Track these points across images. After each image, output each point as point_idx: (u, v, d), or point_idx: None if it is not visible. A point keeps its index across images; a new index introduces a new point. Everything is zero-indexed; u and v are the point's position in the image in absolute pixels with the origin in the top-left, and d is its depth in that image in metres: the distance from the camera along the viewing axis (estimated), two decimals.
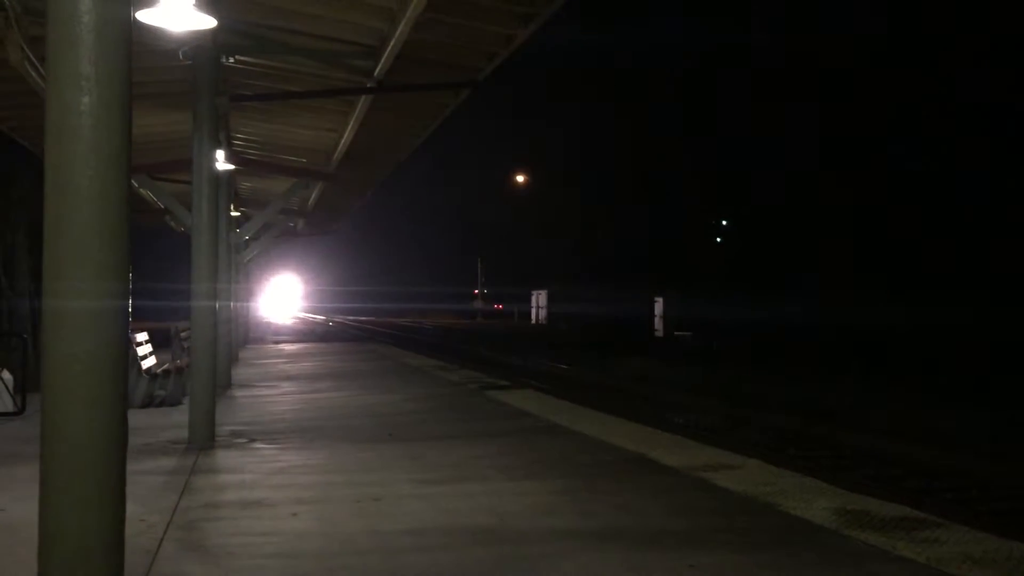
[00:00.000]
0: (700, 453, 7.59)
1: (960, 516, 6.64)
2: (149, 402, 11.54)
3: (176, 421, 9.56)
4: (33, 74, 8.65)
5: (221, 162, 10.56)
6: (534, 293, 63.86)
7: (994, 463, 9.74)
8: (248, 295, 29.32)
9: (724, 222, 68.54)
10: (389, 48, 9.16)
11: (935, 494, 8.72)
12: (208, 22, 6.28)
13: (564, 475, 6.71)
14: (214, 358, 9.00)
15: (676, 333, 42.07)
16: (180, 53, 8.69)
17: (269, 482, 6.66)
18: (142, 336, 12.49)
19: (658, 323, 45.68)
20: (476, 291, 75.48)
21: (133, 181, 13.02)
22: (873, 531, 4.95)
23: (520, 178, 76.02)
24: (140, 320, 16.45)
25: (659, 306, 46.22)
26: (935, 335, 30.10)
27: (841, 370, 21.78)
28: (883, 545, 4.69)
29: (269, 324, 50.76)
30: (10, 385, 10.65)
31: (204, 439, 8.35)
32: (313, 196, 20.69)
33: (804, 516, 5.31)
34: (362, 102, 11.71)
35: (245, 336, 26.94)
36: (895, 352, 26.93)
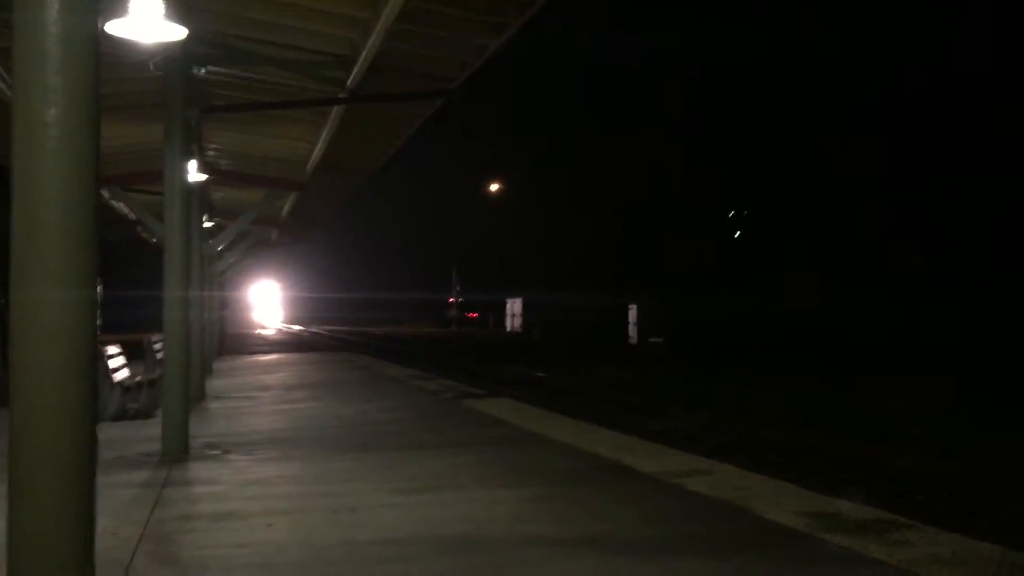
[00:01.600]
0: (674, 459, 7.63)
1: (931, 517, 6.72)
2: (122, 415, 11.43)
3: (149, 434, 9.48)
4: (1, 85, 8.58)
5: (193, 173, 10.51)
6: (508, 301, 63.93)
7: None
8: (222, 306, 29.11)
9: (746, 212, 66.64)
10: (362, 58, 9.17)
11: (907, 496, 8.81)
12: (178, 33, 6.26)
13: (540, 483, 6.72)
14: (187, 370, 8.94)
15: (650, 340, 42.26)
16: (151, 64, 8.65)
17: (243, 493, 6.62)
18: (114, 348, 12.37)
19: (632, 330, 45.86)
20: (451, 299, 75.42)
21: (105, 192, 12.97)
22: (845, 534, 5.00)
23: (494, 186, 76.16)
24: (114, 331, 16.32)
25: (633, 313, 46.41)
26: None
27: (813, 371, 21.95)
28: (855, 547, 4.73)
29: (245, 335, 50.43)
30: None
31: (177, 451, 8.29)
32: (287, 206, 20.62)
33: (777, 520, 5.35)
34: (335, 112, 11.70)
35: (220, 347, 26.74)
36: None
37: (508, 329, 62.55)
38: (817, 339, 31.67)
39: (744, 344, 32.45)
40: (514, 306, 63.12)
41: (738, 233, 61.08)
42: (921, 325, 32.44)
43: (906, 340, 29.71)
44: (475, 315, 74.92)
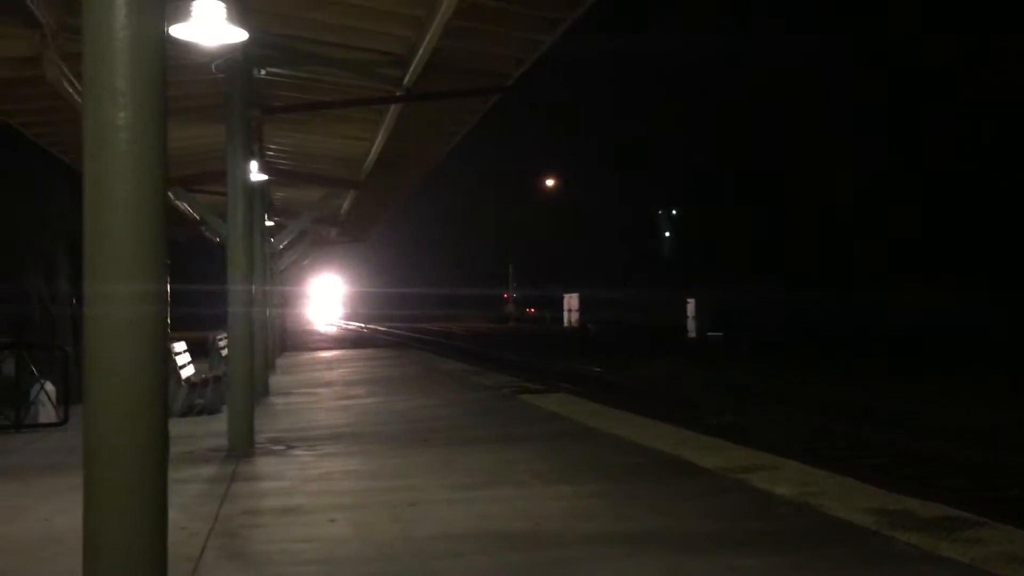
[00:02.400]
0: (736, 454, 7.53)
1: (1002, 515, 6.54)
2: (188, 411, 11.69)
3: (215, 429, 9.68)
4: (70, 90, 8.82)
5: (254, 173, 10.69)
6: (566, 296, 63.80)
7: None
8: (284, 303, 29.58)
9: (673, 211, 68.61)
10: (418, 56, 9.22)
11: (974, 492, 8.60)
12: (239, 35, 6.37)
13: (599, 478, 6.70)
14: (251, 366, 9.09)
15: (708, 334, 41.79)
16: (213, 67, 8.81)
17: (307, 489, 6.72)
18: (181, 346, 12.66)
19: (690, 324, 45.43)
20: (507, 295, 75.56)
21: (169, 193, 13.24)
22: (915, 531, 4.88)
23: (550, 182, 76.09)
24: (178, 329, 16.73)
25: (691, 307, 45.97)
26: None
27: (872, 370, 21.49)
28: (925, 545, 4.63)
29: (305, 332, 51.21)
30: (53, 396, 10.84)
31: (243, 447, 8.44)
32: (346, 204, 20.84)
33: (843, 517, 5.25)
34: (392, 111, 11.78)
35: (282, 344, 27.18)
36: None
37: (565, 324, 62.41)
38: (874, 334, 31.03)
39: (803, 339, 31.88)
40: (571, 301, 62.98)
41: None
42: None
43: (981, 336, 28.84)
44: (533, 310, 74.96)
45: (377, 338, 47.44)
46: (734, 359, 26.50)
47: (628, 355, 28.57)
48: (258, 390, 11.89)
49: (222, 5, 6.03)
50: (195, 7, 5.96)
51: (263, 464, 7.88)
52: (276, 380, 16.51)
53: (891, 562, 4.42)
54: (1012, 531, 4.89)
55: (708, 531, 5.10)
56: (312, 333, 52.99)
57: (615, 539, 4.98)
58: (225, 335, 10.56)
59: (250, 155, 9.40)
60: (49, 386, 10.89)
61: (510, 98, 11.36)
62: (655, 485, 6.40)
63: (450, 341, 42.40)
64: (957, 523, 5.05)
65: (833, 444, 11.59)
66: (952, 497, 7.64)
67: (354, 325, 74.19)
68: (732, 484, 6.31)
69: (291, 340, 34.55)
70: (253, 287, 9.13)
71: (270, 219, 17.20)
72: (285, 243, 17.45)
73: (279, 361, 22.41)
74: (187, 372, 12.39)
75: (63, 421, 10.60)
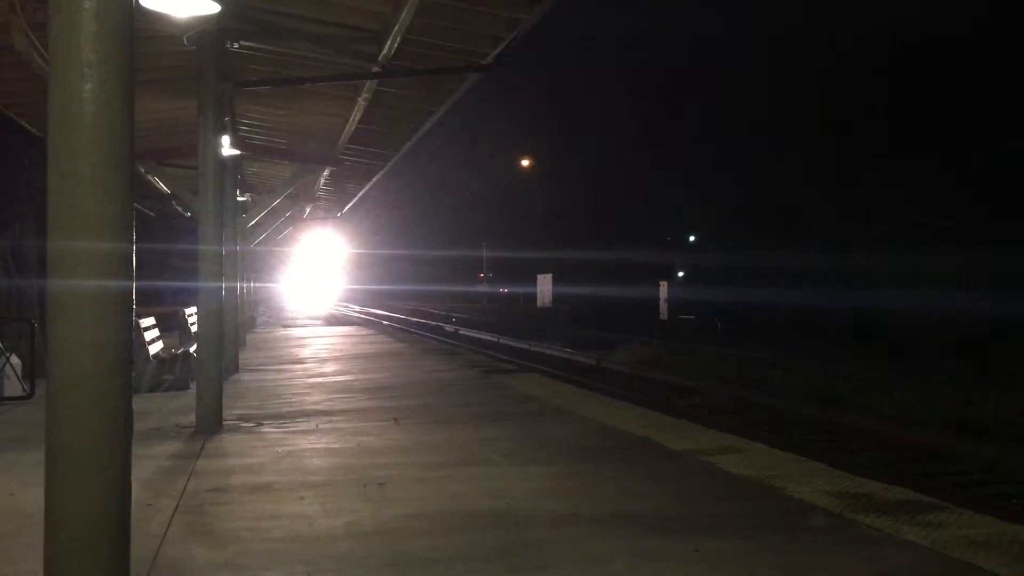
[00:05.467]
0: (704, 437, 7.60)
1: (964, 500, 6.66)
2: (157, 386, 11.59)
3: (183, 405, 9.61)
4: (38, 60, 8.64)
5: (226, 148, 10.55)
6: (539, 277, 63.85)
7: None
8: (255, 280, 29.38)
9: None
10: (393, 33, 9.14)
11: (939, 477, 8.74)
12: (212, 7, 6.27)
13: (569, 459, 6.73)
14: (221, 342, 9.03)
15: (681, 317, 42.00)
16: (184, 39, 8.68)
17: (276, 466, 6.70)
18: (149, 320, 12.54)
19: (663, 306, 45.62)
20: (481, 275, 75.55)
21: (140, 167, 13.07)
22: (877, 514, 4.96)
23: (525, 162, 75.92)
24: (148, 304, 16.51)
25: (663, 290, 46.15)
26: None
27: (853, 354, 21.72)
28: (888, 529, 4.70)
29: (277, 309, 50.96)
30: (19, 370, 10.71)
31: (211, 423, 8.39)
32: (319, 181, 20.68)
33: (808, 500, 5.32)
34: (367, 87, 11.68)
35: (253, 321, 27.02)
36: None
37: (539, 305, 62.51)
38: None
39: (775, 321, 32.11)
40: (545, 281, 63.06)
41: None
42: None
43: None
44: (506, 290, 75.02)
45: (351, 318, 47.28)
46: (704, 342, 26.66)
47: (600, 336, 28.67)
48: (228, 366, 11.82)
49: None
50: None
51: (232, 441, 7.84)
52: (247, 356, 16.41)
53: (854, 544, 4.48)
54: (972, 515, 4.98)
55: (675, 513, 5.15)
56: (283, 310, 52.68)
57: (584, 520, 5.01)
58: (196, 310, 10.47)
59: (222, 129, 9.28)
60: (15, 359, 10.76)
61: (488, 76, 11.24)
62: (624, 466, 6.45)
63: (422, 321, 42.37)
64: (919, 507, 5.14)
65: (798, 426, 11.73)
66: (914, 481, 7.77)
67: (328, 307, 73.45)
68: (700, 466, 6.37)
69: (263, 317, 34.35)
70: (223, 263, 9.05)
71: (242, 194, 17.03)
72: (257, 219, 17.31)
73: (250, 337, 22.27)
74: (156, 347, 12.29)
75: (29, 395, 10.48)
